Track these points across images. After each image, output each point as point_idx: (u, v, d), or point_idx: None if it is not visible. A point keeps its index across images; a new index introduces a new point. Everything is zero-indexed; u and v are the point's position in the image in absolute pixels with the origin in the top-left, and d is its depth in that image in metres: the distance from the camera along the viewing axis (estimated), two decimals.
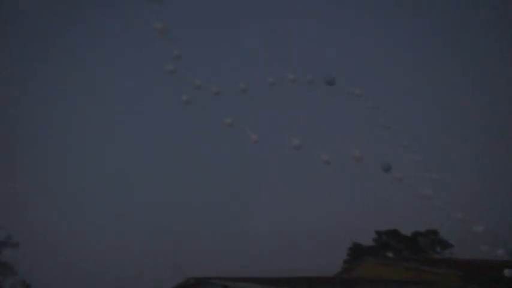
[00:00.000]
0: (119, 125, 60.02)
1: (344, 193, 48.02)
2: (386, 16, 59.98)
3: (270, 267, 38.79)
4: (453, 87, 58.41)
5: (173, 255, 42.55)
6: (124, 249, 45.54)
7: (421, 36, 61.47)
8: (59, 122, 59.28)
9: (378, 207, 47.75)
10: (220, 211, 50.34)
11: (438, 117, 54.95)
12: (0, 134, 52.24)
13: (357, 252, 53.93)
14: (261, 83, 17.86)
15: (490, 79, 57.55)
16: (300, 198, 51.12)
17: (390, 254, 53.98)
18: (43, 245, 43.22)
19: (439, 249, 54.89)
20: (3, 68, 55.95)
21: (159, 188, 54.41)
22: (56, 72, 59.91)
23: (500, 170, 47.03)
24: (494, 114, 52.44)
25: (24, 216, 44.89)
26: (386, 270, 31.62)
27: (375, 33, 58.50)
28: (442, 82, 57.85)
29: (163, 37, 17.11)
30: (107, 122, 59.75)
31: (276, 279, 27.61)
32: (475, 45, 58.90)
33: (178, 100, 17.45)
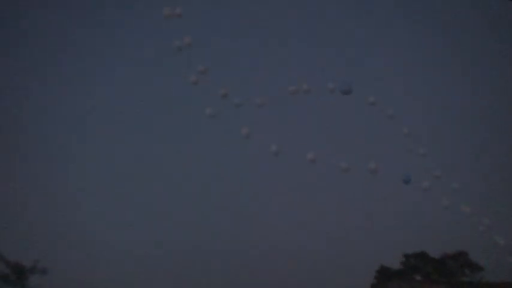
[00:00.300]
0: (127, 129, 59.74)
1: (375, 212, 47.30)
2: (387, 16, 59.47)
3: None
4: (453, 90, 57.51)
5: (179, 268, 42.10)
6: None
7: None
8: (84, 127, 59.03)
9: (406, 227, 47.05)
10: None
11: (451, 123, 54.08)
12: (1, 134, 52.30)
13: (385, 275, 53.23)
14: (280, 92, 17.85)
15: None
16: (321, 217, 50.42)
17: (418, 277, 53.14)
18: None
19: (468, 271, 53.88)
20: (3, 68, 56.09)
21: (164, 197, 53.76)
22: (57, 72, 59.83)
23: None
24: None
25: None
26: None
27: (375, 33, 58.12)
28: (456, 87, 57.03)
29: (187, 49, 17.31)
30: (119, 125, 59.50)
31: None
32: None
33: (197, 109, 17.43)
